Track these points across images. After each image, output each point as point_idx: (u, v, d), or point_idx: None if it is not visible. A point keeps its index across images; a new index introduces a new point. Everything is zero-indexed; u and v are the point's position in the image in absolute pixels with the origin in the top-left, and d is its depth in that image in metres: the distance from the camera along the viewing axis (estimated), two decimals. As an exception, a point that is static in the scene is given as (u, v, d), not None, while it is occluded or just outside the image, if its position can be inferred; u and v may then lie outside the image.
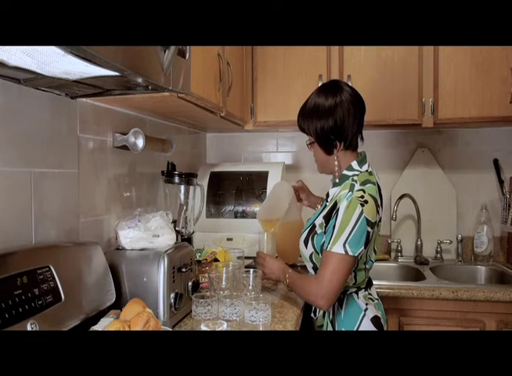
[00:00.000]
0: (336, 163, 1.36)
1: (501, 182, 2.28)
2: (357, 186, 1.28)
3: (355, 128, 1.32)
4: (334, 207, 1.29)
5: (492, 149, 2.32)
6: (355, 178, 1.31)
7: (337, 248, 1.22)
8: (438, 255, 2.28)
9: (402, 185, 2.36)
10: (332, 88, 1.34)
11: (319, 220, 1.35)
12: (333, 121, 1.29)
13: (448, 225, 2.32)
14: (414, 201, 2.29)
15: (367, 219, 1.23)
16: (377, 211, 1.28)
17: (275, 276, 1.46)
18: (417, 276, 2.07)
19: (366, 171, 1.34)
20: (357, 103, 1.33)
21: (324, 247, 1.27)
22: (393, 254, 2.34)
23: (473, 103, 2.00)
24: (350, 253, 1.22)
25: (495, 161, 2.30)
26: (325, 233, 1.31)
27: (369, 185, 1.29)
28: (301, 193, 1.70)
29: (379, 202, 1.30)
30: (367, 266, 1.36)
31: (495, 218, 2.29)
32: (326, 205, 1.37)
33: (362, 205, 1.23)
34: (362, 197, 1.25)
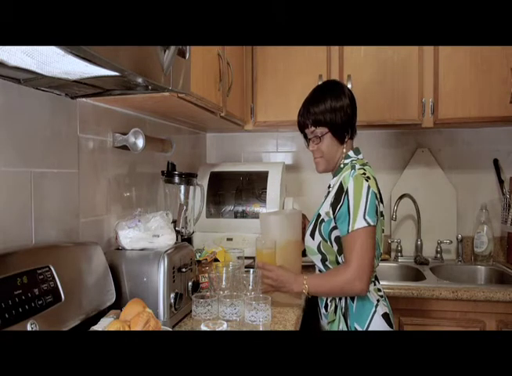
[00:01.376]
0: (344, 150, 1.43)
1: (501, 182, 2.28)
2: (358, 166, 1.36)
3: (356, 118, 1.47)
4: (341, 190, 1.33)
5: (492, 149, 2.32)
6: (354, 161, 1.40)
7: (359, 223, 1.27)
8: (438, 255, 2.28)
9: (402, 185, 2.36)
10: (335, 85, 1.46)
11: (325, 209, 1.38)
12: (351, 111, 1.42)
13: (448, 225, 2.32)
14: (414, 201, 2.29)
15: (374, 193, 1.31)
16: (378, 200, 1.33)
17: (287, 289, 1.37)
18: (417, 276, 2.07)
19: (362, 159, 1.44)
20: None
21: (343, 234, 1.30)
22: (393, 254, 2.34)
23: (473, 103, 2.00)
24: (371, 223, 1.27)
25: (495, 161, 2.30)
26: (335, 219, 1.33)
27: (367, 167, 1.38)
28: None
29: (378, 196, 1.35)
30: (375, 262, 1.36)
31: (495, 218, 2.29)
32: (328, 193, 1.42)
33: (367, 180, 1.31)
34: (364, 173, 1.33)
